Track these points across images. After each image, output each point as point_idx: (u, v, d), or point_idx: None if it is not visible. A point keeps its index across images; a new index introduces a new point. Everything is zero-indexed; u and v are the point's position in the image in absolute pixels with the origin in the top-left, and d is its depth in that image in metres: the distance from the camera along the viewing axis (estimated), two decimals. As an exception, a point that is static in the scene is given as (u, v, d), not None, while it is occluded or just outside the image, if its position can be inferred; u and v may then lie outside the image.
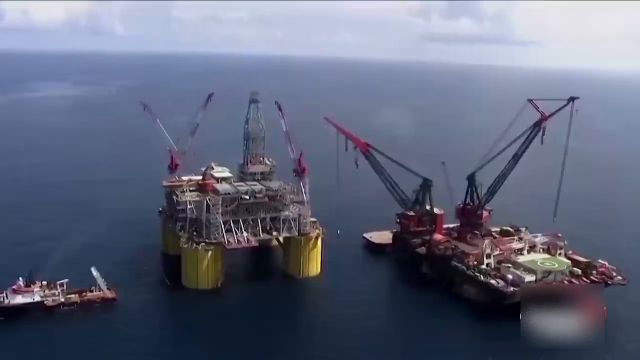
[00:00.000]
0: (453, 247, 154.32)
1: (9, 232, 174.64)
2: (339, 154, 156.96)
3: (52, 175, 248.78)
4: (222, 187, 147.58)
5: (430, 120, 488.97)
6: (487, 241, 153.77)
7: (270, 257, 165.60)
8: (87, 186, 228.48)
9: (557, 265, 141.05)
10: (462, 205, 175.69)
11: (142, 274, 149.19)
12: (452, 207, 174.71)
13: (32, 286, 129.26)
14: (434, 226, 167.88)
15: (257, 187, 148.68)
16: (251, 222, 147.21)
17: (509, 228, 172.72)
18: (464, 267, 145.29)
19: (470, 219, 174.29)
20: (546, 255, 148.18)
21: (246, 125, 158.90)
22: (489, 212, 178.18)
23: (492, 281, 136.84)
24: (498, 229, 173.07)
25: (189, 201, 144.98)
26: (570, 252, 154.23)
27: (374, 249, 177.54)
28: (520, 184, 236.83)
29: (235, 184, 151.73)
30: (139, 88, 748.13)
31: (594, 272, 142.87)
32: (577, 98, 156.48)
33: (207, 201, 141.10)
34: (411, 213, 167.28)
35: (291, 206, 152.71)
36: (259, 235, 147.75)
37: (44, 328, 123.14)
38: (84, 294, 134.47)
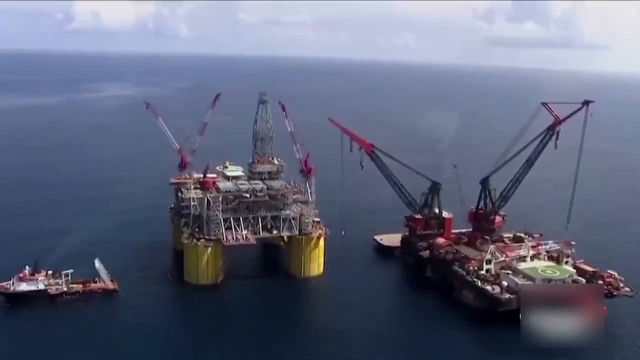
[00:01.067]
0: (454, 251, 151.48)
1: (27, 225, 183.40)
2: (343, 155, 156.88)
3: (78, 172, 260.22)
4: (224, 185, 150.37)
5: (477, 124, 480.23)
6: (492, 247, 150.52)
7: (276, 255, 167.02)
8: (108, 183, 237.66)
9: (558, 274, 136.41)
10: (474, 209, 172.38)
11: (148, 268, 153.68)
12: (466, 211, 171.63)
13: (36, 275, 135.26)
14: (442, 230, 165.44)
15: (259, 185, 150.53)
16: (252, 220, 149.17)
17: (522, 234, 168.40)
18: (464, 272, 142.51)
19: (482, 224, 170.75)
20: (550, 263, 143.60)
21: (255, 125, 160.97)
22: (503, 218, 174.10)
23: (488, 287, 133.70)
24: (511, 235, 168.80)
25: (193, 198, 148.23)
26: (580, 260, 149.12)
27: (384, 251, 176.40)
28: (538, 188, 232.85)
29: (239, 182, 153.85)
30: (192, 89, 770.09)
31: (600, 282, 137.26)
32: (592, 102, 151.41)
33: (207, 198, 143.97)
34: (418, 216, 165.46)
35: (293, 206, 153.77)
36: (259, 233, 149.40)
37: (44, 315, 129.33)
38: (88, 284, 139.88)
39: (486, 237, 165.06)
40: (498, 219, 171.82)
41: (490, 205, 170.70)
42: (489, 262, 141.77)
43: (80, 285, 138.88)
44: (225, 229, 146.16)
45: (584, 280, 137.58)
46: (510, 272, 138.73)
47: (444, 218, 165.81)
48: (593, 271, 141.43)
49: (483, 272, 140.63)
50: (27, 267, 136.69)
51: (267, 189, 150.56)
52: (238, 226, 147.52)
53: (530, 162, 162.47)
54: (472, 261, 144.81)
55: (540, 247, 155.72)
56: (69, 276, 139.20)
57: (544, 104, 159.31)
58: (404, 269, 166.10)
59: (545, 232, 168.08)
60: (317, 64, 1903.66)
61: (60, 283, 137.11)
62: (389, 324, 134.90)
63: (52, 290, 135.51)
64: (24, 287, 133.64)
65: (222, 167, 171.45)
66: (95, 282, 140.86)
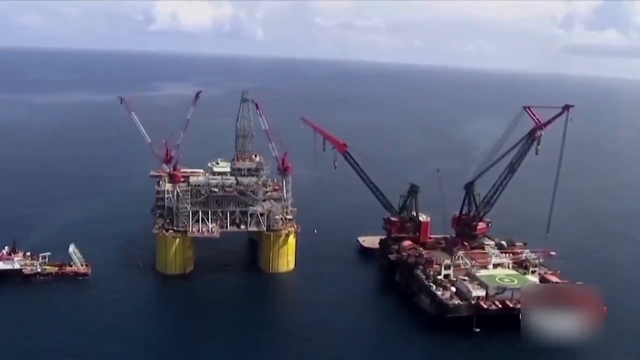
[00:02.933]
0: (417, 255, 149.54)
1: (25, 211, 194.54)
2: (316, 154, 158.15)
3: (86, 166, 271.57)
4: (194, 179, 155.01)
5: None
6: (461, 253, 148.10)
7: (252, 250, 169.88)
8: (106, 177, 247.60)
9: (516, 282, 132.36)
10: (458, 215, 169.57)
11: (125, 256, 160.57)
12: (448, 215, 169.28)
13: (13, 255, 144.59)
14: (417, 233, 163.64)
15: (229, 181, 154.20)
16: (221, 215, 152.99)
17: (503, 242, 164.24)
18: (423, 276, 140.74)
19: (464, 230, 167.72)
20: (513, 272, 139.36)
21: (237, 123, 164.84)
22: (487, 224, 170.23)
23: (438, 292, 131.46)
24: (493, 243, 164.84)
25: (166, 190, 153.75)
26: (552, 271, 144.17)
27: (365, 252, 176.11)
28: (530, 195, 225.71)
29: (212, 177, 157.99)
30: (251, 90, 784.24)
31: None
32: (572, 106, 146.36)
33: (177, 191, 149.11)
34: (394, 218, 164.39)
35: (264, 202, 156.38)
36: (227, 227, 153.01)
37: (15, 292, 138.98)
38: (63, 267, 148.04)
39: (465, 243, 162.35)
40: (481, 225, 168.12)
41: (474, 211, 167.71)
42: (448, 267, 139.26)
43: (55, 268, 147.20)
44: (195, 222, 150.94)
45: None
46: (467, 278, 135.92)
47: (420, 221, 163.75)
48: (557, 283, 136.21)
49: (441, 277, 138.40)
50: (6, 247, 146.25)
51: (237, 184, 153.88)
52: (207, 219, 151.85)
53: (512, 168, 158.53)
54: (435, 266, 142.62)
55: (519, 255, 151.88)
56: (46, 258, 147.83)
57: (526, 108, 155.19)
58: (379, 271, 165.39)
59: (531, 241, 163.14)
60: (388, 69, 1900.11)
61: (35, 264, 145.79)
62: (339, 325, 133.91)
63: (27, 270, 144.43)
64: (0, 265, 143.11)
65: (215, 162, 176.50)
66: (71, 266, 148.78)
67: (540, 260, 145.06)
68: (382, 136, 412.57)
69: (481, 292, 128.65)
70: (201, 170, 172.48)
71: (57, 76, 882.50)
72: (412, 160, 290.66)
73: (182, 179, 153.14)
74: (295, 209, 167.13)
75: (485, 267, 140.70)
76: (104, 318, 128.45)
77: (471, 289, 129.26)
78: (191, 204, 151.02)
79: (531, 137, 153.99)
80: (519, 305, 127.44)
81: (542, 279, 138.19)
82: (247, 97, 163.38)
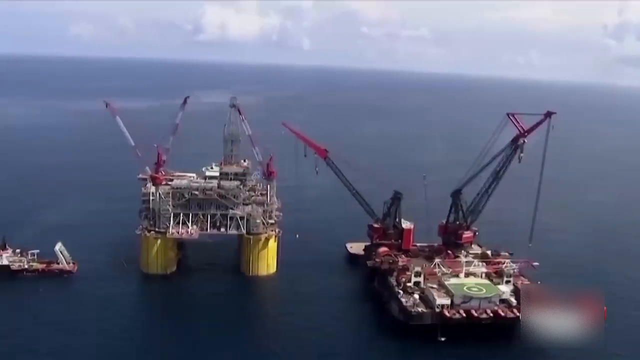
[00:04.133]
0: (391, 261, 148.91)
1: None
2: (297, 159, 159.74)
3: (90, 169, 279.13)
4: (176, 181, 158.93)
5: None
6: (438, 260, 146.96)
7: (238, 254, 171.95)
8: (109, 180, 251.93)
9: (484, 291, 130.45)
10: (445, 223, 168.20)
11: (111, 256, 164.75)
12: (432, 223, 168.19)
13: (2, 252, 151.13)
14: (400, 240, 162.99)
15: (210, 184, 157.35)
16: (201, 217, 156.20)
17: (488, 252, 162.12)
18: (395, 283, 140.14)
19: (450, 238, 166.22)
20: (484, 281, 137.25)
21: (224, 128, 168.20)
22: (474, 233, 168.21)
23: (403, 299, 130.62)
24: (479, 252, 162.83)
25: (151, 192, 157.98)
26: (527, 282, 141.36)
27: (352, 259, 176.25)
28: (523, 204, 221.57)
29: (194, 180, 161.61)
30: (289, 98, 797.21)
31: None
32: (554, 113, 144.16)
33: (158, 193, 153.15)
34: (376, 225, 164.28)
35: (247, 207, 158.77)
36: (207, 229, 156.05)
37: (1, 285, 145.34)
38: (51, 264, 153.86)
39: (449, 252, 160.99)
40: (467, 234, 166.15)
41: (461, 219, 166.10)
42: (418, 274, 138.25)
43: (43, 265, 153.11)
44: (177, 224, 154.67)
45: (514, 302, 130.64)
46: (435, 286, 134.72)
47: (402, 228, 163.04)
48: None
49: (411, 284, 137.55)
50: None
51: (219, 187, 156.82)
52: (188, 221, 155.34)
53: (496, 175, 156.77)
54: (408, 273, 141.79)
55: (500, 265, 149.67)
56: (35, 255, 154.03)
57: (510, 115, 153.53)
58: (361, 277, 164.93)
59: (517, 250, 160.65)
60: (432, 79, 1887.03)
61: (23, 261, 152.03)
62: (306, 330, 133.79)
63: (15, 266, 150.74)
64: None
65: (209, 167, 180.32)
66: (58, 263, 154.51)
67: (515, 271, 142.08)
68: (402, 145, 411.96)
69: (446, 301, 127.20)
70: (193, 174, 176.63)
71: (102, 84, 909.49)
72: (427, 169, 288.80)
73: (164, 182, 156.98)
74: (280, 214, 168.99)
75: (457, 276, 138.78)
76: (83, 313, 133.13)
77: (436, 297, 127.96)
78: (173, 206, 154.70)
79: (514, 144, 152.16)
80: (484, 315, 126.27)
81: (516, 289, 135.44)
82: (235, 102, 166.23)
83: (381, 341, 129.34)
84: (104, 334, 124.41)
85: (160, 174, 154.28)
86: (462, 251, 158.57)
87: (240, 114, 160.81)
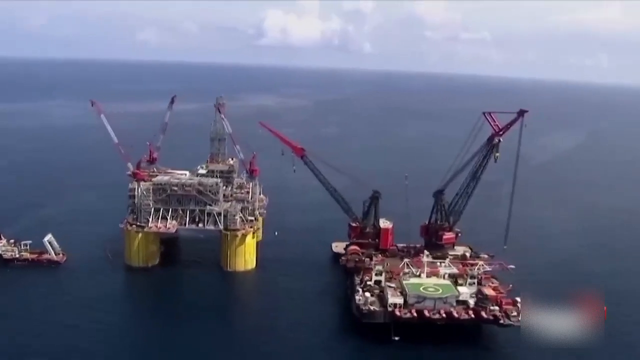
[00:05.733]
0: (357, 260, 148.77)
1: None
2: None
3: (94, 168, 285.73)
4: (157, 178, 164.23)
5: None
6: (407, 260, 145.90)
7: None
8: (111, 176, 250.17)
9: (440, 291, 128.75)
10: (427, 223, 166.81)
11: (99, 248, 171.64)
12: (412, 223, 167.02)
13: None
14: (377, 239, 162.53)
15: (190, 181, 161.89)
16: (181, 212, 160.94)
17: (467, 253, 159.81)
18: (358, 281, 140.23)
19: (431, 239, 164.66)
20: (445, 282, 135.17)
21: (211, 127, 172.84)
22: (457, 235, 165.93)
23: (357, 297, 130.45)
24: (459, 253, 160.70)
25: (134, 188, 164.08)
26: (492, 284, 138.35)
27: (336, 257, 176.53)
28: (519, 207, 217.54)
29: (175, 176, 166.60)
30: (337, 101, 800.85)
31: (494, 307, 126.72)
32: (526, 111, 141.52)
33: (140, 188, 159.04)
34: (354, 224, 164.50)
35: (226, 203, 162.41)
36: (186, 224, 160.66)
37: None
38: (41, 255, 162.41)
39: (426, 252, 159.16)
40: (449, 235, 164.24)
41: (442, 220, 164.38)
42: (379, 273, 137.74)
43: (34, 255, 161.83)
44: (158, 218, 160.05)
45: (472, 303, 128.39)
46: (393, 285, 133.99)
47: (379, 227, 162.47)
48: (492, 296, 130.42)
49: (371, 283, 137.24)
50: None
51: (198, 184, 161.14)
52: (169, 216, 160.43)
53: (474, 175, 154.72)
54: (372, 272, 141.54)
55: (474, 267, 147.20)
56: (27, 246, 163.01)
57: (485, 114, 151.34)
58: (340, 276, 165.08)
59: (499, 253, 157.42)
60: (493, 83, 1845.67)
61: (15, 250, 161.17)
62: (267, 324, 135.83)
63: (7, 255, 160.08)
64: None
65: (204, 165, 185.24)
66: (48, 254, 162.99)
67: (479, 273, 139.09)
68: (435, 147, 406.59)
69: (399, 300, 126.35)
70: (186, 172, 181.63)
71: (154, 86, 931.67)
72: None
73: (145, 178, 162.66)
74: (264, 212, 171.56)
75: (419, 276, 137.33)
76: (66, 300, 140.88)
77: (389, 296, 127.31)
78: (154, 201, 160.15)
79: (490, 144, 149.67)
80: (437, 316, 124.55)
81: (479, 291, 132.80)
82: (221, 101, 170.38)
83: (335, 339, 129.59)
84: (83, 317, 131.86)
85: (145, 170, 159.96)
86: (452, 252, 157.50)
87: (220, 112, 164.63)
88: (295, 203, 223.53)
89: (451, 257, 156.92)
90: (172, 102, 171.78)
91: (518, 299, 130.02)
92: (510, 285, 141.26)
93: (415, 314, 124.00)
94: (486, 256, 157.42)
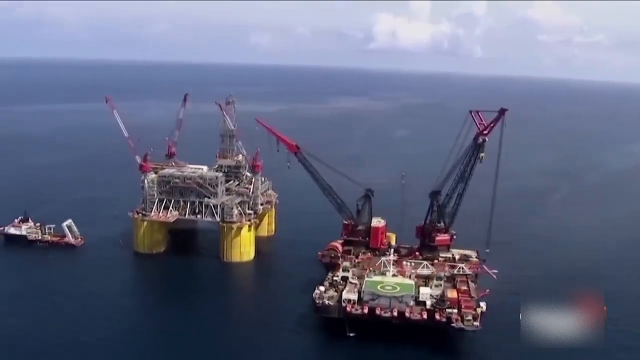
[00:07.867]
0: (332, 255, 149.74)
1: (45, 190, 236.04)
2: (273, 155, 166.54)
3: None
4: (163, 170, 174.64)
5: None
6: (384, 259, 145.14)
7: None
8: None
9: (398, 289, 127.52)
10: (422, 224, 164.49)
11: (115, 234, 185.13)
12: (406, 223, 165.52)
13: (22, 224, 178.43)
14: (367, 238, 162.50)
15: (191, 174, 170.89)
16: (182, 203, 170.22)
17: (456, 255, 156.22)
18: (329, 277, 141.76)
19: (425, 240, 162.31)
20: (408, 282, 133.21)
21: (221, 125, 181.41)
22: (452, 237, 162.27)
23: (316, 291, 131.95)
24: (450, 256, 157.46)
25: (143, 180, 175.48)
26: (464, 288, 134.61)
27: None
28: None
29: (179, 169, 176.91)
30: (421, 105, 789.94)
31: (452, 310, 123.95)
32: (507, 110, 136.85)
33: (146, 180, 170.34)
34: (346, 222, 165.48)
35: (225, 196, 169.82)
36: (185, 215, 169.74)
37: (18, 252, 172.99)
38: (63, 238, 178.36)
39: (417, 254, 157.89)
40: (443, 237, 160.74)
41: (438, 221, 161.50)
42: (346, 269, 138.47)
43: (56, 238, 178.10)
44: (162, 208, 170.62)
45: (429, 305, 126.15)
46: (356, 282, 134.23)
47: (370, 226, 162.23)
48: (452, 299, 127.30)
49: (338, 279, 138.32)
50: (20, 217, 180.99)
51: (199, 177, 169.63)
52: (171, 207, 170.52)
53: (462, 176, 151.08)
54: (341, 269, 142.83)
55: (454, 269, 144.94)
56: (51, 229, 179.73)
57: (473, 112, 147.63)
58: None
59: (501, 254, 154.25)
60: (611, 89, 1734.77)
61: (38, 233, 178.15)
62: (243, 314, 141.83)
63: (31, 236, 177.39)
64: (12, 231, 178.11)
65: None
66: (67, 238, 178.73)
67: (445, 275, 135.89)
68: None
69: (353, 296, 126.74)
70: (204, 166, 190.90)
71: (257, 89, 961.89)
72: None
73: (150, 170, 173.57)
74: (269, 207, 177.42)
75: (383, 274, 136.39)
76: (76, 278, 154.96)
77: (345, 292, 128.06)
78: (159, 192, 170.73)
79: (475, 143, 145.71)
80: (388, 314, 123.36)
81: (442, 294, 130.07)
82: (230, 100, 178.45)
83: (295, 332, 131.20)
84: (91, 296, 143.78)
85: (158, 163, 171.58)
86: (443, 255, 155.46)
87: (221, 109, 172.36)
88: (306, 200, 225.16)
89: (442, 259, 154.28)
90: (184, 100, 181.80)
91: (482, 304, 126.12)
92: (487, 290, 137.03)
93: (366, 311, 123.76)
94: (475, 259, 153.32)
